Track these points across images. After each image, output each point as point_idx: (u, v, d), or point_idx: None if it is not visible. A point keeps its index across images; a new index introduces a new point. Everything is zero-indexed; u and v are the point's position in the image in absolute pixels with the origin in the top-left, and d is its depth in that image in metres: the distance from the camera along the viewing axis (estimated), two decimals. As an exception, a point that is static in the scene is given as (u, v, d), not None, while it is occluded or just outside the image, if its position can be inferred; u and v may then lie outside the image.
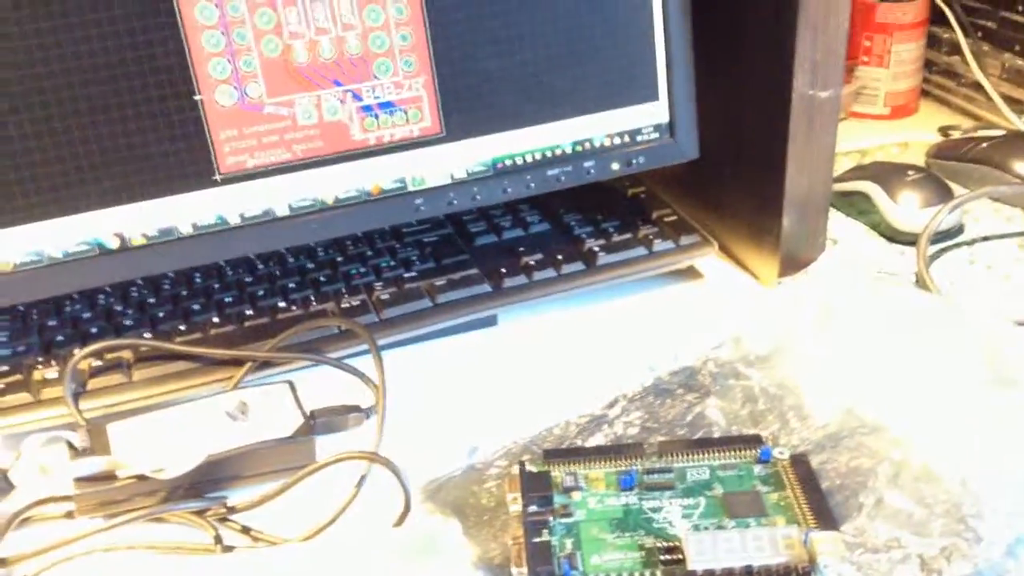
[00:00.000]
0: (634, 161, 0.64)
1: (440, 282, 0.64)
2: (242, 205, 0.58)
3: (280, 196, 0.59)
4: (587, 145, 0.63)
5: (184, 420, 0.54)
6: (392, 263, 0.67)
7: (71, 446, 0.53)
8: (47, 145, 0.54)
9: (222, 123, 0.57)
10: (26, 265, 0.55)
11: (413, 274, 0.66)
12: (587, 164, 0.63)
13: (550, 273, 0.65)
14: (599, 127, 0.63)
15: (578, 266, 0.66)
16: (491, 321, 0.65)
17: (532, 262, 0.66)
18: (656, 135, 0.65)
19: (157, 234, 0.57)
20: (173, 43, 0.54)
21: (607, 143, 0.64)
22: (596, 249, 0.66)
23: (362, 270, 0.66)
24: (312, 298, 0.64)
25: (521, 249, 0.67)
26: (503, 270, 0.65)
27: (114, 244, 0.57)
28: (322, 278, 0.65)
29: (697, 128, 0.65)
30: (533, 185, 0.62)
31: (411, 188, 0.61)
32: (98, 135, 0.54)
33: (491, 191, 0.62)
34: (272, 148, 0.58)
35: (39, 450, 0.53)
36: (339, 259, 0.68)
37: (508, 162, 0.62)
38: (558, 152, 0.63)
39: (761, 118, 0.64)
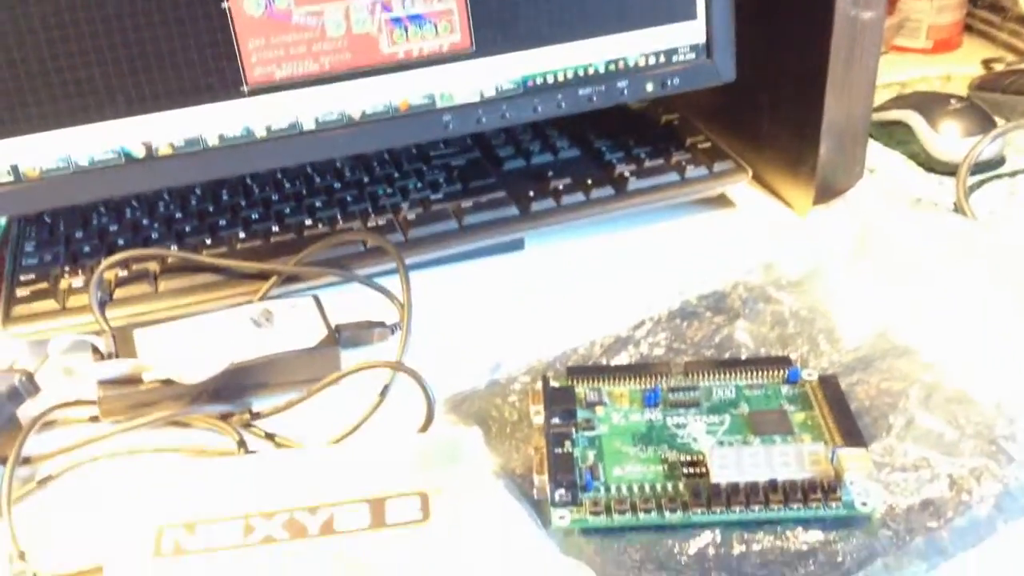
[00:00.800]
0: (669, 82, 0.62)
1: (467, 204, 0.64)
2: (269, 117, 0.57)
3: (307, 109, 0.58)
4: (621, 64, 0.62)
5: (210, 328, 0.54)
6: (419, 185, 0.66)
7: (96, 350, 0.53)
8: (74, 51, 0.53)
9: (250, 32, 0.56)
10: (53, 171, 0.55)
11: (440, 196, 0.65)
12: (620, 84, 0.62)
13: (579, 198, 0.64)
14: (634, 46, 0.62)
15: (608, 191, 0.65)
16: (518, 245, 0.64)
17: (561, 186, 0.65)
18: (692, 55, 0.63)
19: (184, 144, 0.57)
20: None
21: (641, 63, 0.62)
22: (627, 174, 0.65)
23: (388, 191, 0.66)
24: (338, 216, 0.63)
25: (550, 174, 0.66)
26: (531, 194, 0.64)
27: (140, 153, 0.56)
28: (348, 197, 0.65)
29: (734, 50, 0.64)
30: (564, 105, 0.61)
31: (439, 105, 0.60)
32: (126, 41, 0.54)
33: (521, 109, 0.61)
34: (300, 59, 0.57)
35: (64, 352, 0.53)
36: (365, 180, 0.67)
37: (539, 80, 0.61)
38: (591, 71, 0.61)
39: (801, 40, 0.62)
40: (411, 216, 0.63)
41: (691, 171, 0.66)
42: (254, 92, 0.57)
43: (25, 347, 0.57)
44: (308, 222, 0.63)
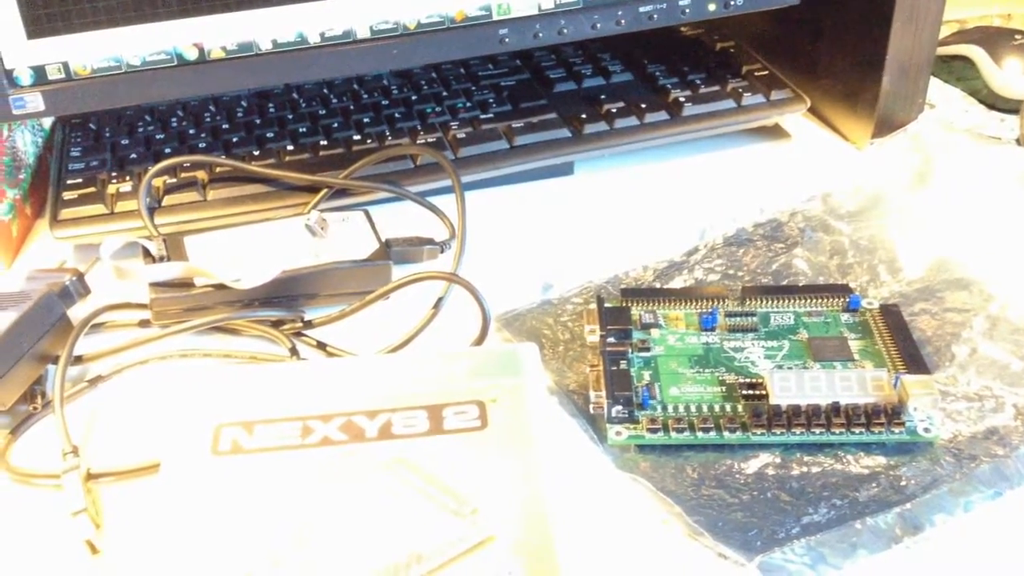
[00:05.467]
0: (731, 3, 0.60)
1: (517, 125, 0.62)
2: (323, 23, 0.56)
3: (361, 17, 0.56)
4: None
5: (263, 236, 0.53)
6: (467, 104, 0.65)
7: (148, 253, 0.52)
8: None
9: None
10: (104, 71, 0.54)
11: (490, 116, 0.64)
12: (682, 3, 0.60)
13: (632, 122, 0.63)
14: None
15: (662, 116, 0.63)
16: (568, 170, 0.63)
17: (613, 110, 0.63)
18: None
19: (236, 48, 0.55)
20: None
21: None
22: (681, 100, 0.64)
23: (437, 109, 0.65)
24: (387, 133, 0.62)
25: (602, 97, 0.65)
26: (583, 116, 0.63)
27: (193, 55, 0.55)
28: (396, 114, 0.64)
29: None
30: (624, 22, 0.59)
31: (496, 16, 0.58)
32: (179, -61, 0.53)
33: (579, 25, 0.59)
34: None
35: (115, 256, 0.53)
36: (413, 97, 0.66)
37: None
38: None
39: (869, -35, 0.60)
40: (460, 135, 0.62)
41: (747, 99, 0.64)
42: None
43: (71, 250, 0.57)
44: (356, 137, 0.62)
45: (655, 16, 0.60)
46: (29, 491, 0.43)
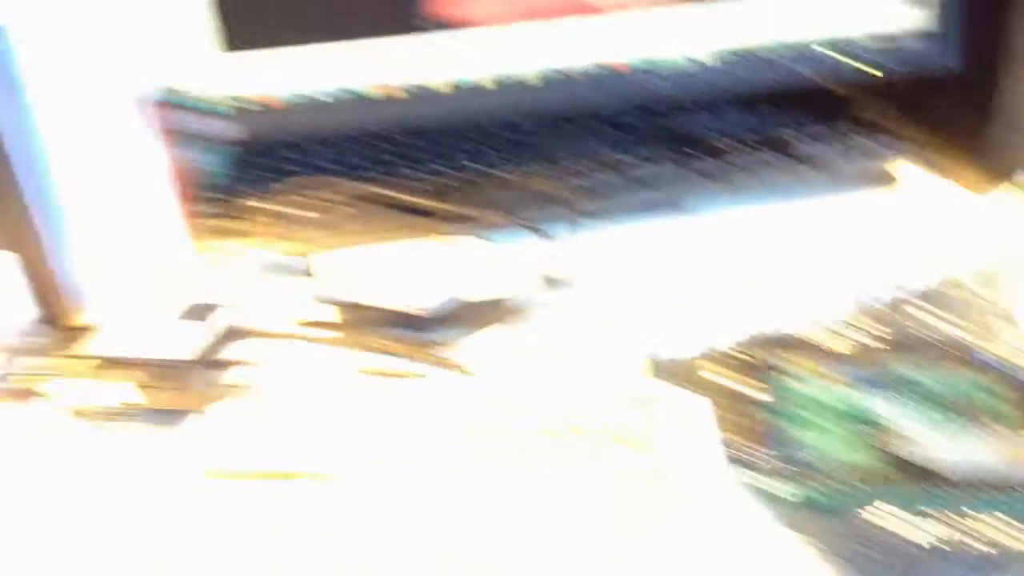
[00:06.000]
0: (892, 66, 0.61)
1: (638, 163, 0.64)
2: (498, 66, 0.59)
3: (522, 55, 0.58)
4: (842, 42, 0.61)
5: (413, 259, 0.56)
6: (600, 142, 0.67)
7: (300, 270, 0.55)
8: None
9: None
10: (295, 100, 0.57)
11: (618, 153, 0.65)
12: (841, 60, 0.61)
13: (746, 162, 0.65)
14: (859, 22, 0.61)
15: (775, 157, 0.65)
16: (685, 207, 0.65)
17: (727, 149, 0.65)
18: (918, 39, 0.62)
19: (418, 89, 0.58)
20: None
21: (864, 41, 0.61)
22: (794, 141, 0.65)
23: (568, 144, 0.67)
24: (517, 166, 0.65)
25: (717, 136, 0.66)
26: (698, 155, 0.64)
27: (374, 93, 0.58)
28: (528, 150, 0.66)
29: (963, 35, 0.62)
30: (780, 76, 0.60)
31: (649, 65, 0.60)
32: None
33: (733, 77, 0.60)
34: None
35: (268, 269, 0.56)
36: (546, 133, 0.68)
37: (753, 49, 0.60)
38: (810, 45, 0.61)
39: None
40: (585, 170, 0.64)
41: (863, 143, 0.65)
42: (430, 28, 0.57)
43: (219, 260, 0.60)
44: (487, 168, 0.64)
45: (816, 72, 0.60)
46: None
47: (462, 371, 0.51)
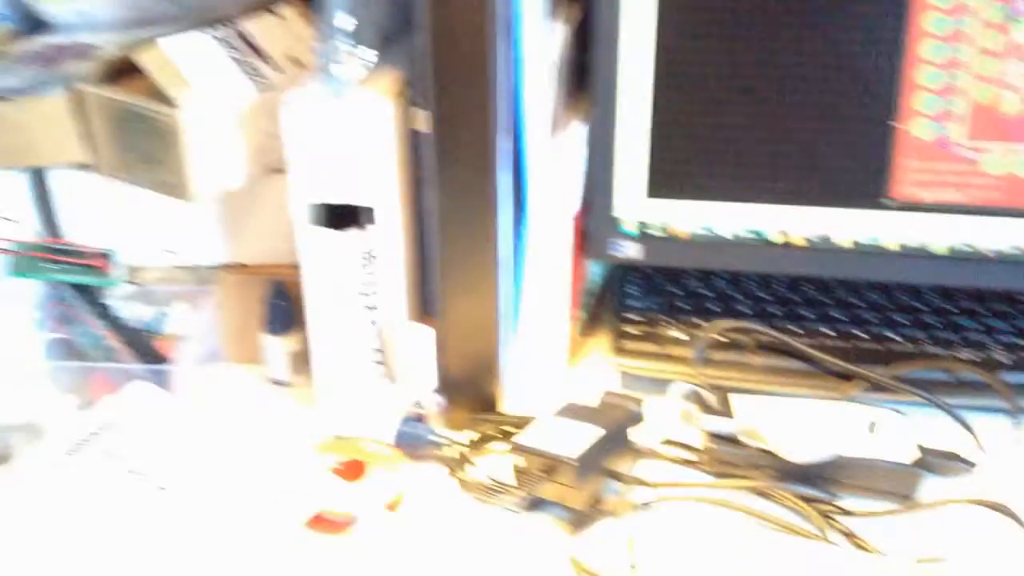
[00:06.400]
0: None
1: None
2: (904, 234, 0.60)
3: (943, 234, 0.60)
4: None
5: (812, 413, 0.57)
6: (1009, 329, 0.65)
7: (701, 401, 0.58)
8: (742, 136, 0.60)
9: (908, 153, 0.59)
10: (699, 237, 0.62)
11: (1030, 345, 0.64)
12: None
13: None
14: None
15: None
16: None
17: None
18: None
19: (817, 240, 0.61)
20: (887, 71, 0.58)
21: None
22: None
23: (975, 326, 0.66)
24: (923, 339, 0.64)
25: None
26: None
27: (776, 239, 0.62)
28: (934, 323, 0.66)
29: None
30: None
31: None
32: (788, 137, 0.60)
33: None
34: (947, 187, 0.59)
35: (672, 395, 0.59)
36: (951, 308, 0.67)
37: None
38: None
39: None
40: (1002, 359, 0.62)
41: None
42: (896, 207, 0.60)
43: (619, 376, 0.65)
44: (894, 337, 0.64)
45: None
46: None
47: (867, 548, 0.51)
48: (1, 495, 0.51)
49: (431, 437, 0.59)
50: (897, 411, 0.59)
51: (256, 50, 0.60)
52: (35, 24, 0.72)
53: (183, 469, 0.53)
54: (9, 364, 0.62)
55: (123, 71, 0.58)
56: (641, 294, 0.70)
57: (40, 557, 0.48)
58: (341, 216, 0.56)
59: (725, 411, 0.57)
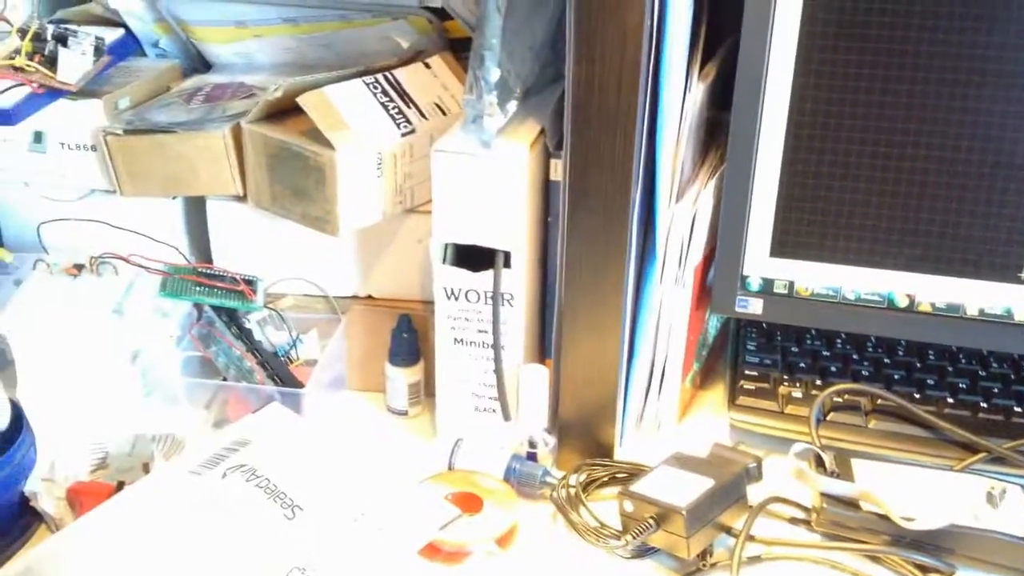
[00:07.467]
0: None
1: None
2: (1034, 306, 0.59)
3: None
4: None
5: (933, 481, 0.56)
6: None
7: (819, 462, 0.58)
8: (877, 202, 0.60)
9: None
10: (821, 296, 0.63)
11: None
12: None
13: None
14: None
15: None
16: None
17: None
18: None
19: (944, 307, 0.61)
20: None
21: None
22: None
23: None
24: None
25: None
26: None
27: (902, 303, 0.61)
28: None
29: None
30: None
31: None
32: (925, 206, 0.59)
33: None
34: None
35: (795, 457, 0.59)
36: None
37: None
38: None
39: None
40: None
41: None
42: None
43: (730, 432, 0.65)
44: (1017, 408, 0.63)
45: None
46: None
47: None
48: (140, 501, 0.54)
49: (542, 476, 0.60)
50: (1019, 484, 0.58)
51: (404, 96, 0.63)
52: (200, 64, 0.77)
53: (312, 490, 0.55)
54: (153, 378, 0.66)
55: (277, 112, 0.63)
56: (760, 350, 0.70)
57: (167, 564, 0.51)
58: (475, 257, 0.59)
59: (846, 474, 0.57)
